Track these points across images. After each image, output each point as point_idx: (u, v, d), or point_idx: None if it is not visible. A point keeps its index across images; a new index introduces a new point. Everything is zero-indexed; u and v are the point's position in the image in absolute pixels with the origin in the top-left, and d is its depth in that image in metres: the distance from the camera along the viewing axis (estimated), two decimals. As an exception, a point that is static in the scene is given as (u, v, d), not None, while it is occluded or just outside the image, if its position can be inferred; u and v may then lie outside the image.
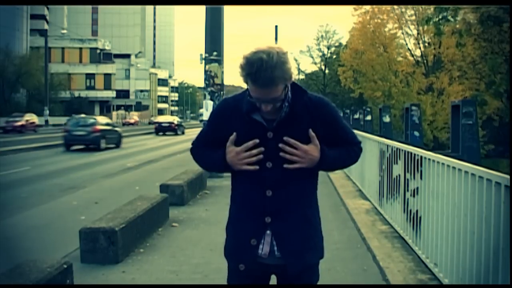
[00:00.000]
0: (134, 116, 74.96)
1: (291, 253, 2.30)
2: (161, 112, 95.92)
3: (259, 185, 2.31)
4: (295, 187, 2.32)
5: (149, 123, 68.89)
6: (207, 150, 2.48)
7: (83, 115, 27.09)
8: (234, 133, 2.33)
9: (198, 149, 2.53)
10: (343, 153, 2.43)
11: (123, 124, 64.26)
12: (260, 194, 2.31)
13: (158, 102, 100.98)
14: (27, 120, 38.92)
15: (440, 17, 38.66)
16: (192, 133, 31.87)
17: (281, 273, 2.36)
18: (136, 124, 69.47)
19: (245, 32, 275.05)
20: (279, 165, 2.29)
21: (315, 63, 64.00)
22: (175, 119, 42.86)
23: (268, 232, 2.31)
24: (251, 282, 2.39)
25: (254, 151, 2.30)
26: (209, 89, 13.05)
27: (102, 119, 25.76)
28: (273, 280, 2.46)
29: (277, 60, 2.15)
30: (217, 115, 2.44)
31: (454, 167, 4.22)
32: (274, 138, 2.28)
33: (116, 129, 26.26)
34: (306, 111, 2.30)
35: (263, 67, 2.13)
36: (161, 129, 39.62)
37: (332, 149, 2.39)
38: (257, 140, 2.29)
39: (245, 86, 2.29)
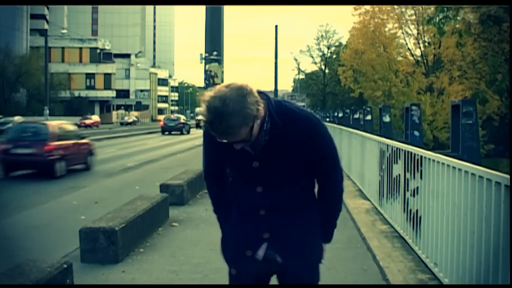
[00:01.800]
0: (93, 116, 58.44)
1: (291, 256, 2.32)
2: (161, 112, 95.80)
3: (252, 205, 2.33)
4: (290, 204, 2.33)
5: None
6: (220, 198, 2.53)
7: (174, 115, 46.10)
8: None
9: (212, 184, 2.54)
10: (332, 207, 2.46)
11: (79, 126, 50.04)
12: (255, 213, 2.33)
13: (158, 101, 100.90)
14: None
15: (441, 16, 38.63)
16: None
17: (282, 271, 2.37)
18: (95, 126, 53.50)
19: (245, 32, 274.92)
20: (269, 188, 2.29)
21: (315, 63, 64.09)
22: None
23: (264, 243, 2.33)
24: (251, 281, 2.41)
25: None
26: (209, 88, 13.05)
27: (182, 116, 46.08)
28: (274, 280, 2.47)
29: (234, 107, 2.00)
30: (207, 139, 2.37)
31: (454, 167, 4.22)
32: (260, 166, 2.26)
33: (188, 122, 44.73)
34: (287, 134, 2.20)
35: (217, 119, 2.01)
36: (200, 125, 52.68)
37: (327, 224, 2.44)
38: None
39: None
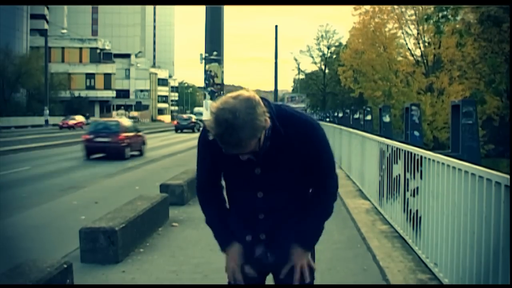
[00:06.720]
0: (77, 117, 51.46)
1: (285, 256, 2.34)
2: (161, 112, 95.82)
3: (252, 210, 2.33)
4: (289, 207, 2.34)
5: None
6: (216, 209, 2.44)
7: (184, 115, 50.49)
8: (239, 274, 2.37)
9: (205, 195, 2.45)
10: (319, 211, 2.36)
11: (60, 128, 46.03)
12: (254, 216, 2.33)
13: (158, 102, 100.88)
14: None
15: (440, 15, 38.62)
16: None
17: (277, 271, 2.40)
18: (79, 127, 46.30)
19: (245, 32, 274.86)
20: (269, 193, 2.29)
21: (315, 63, 64.10)
22: None
23: (260, 244, 2.35)
24: (248, 282, 2.42)
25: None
26: (209, 89, 13.04)
27: (193, 116, 47.70)
28: (271, 280, 2.47)
29: (244, 119, 1.96)
30: (203, 148, 2.34)
31: (454, 167, 4.22)
32: (262, 172, 2.25)
33: (199, 122, 45.34)
34: (287, 138, 2.20)
35: (228, 132, 1.96)
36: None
37: (308, 226, 2.34)
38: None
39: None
